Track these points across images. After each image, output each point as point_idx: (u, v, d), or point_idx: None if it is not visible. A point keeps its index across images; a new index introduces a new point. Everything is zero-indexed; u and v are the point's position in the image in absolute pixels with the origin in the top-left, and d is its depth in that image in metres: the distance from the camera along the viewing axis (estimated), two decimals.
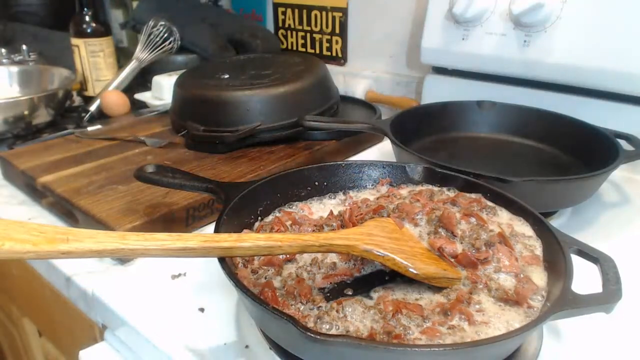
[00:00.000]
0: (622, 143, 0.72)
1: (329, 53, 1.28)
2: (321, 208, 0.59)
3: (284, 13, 1.33)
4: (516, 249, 0.49)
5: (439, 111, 0.88)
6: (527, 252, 0.49)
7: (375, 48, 1.19)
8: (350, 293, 0.46)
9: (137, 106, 1.12)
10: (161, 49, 1.13)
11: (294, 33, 1.33)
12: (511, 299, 0.43)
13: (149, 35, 1.12)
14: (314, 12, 1.26)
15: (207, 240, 0.40)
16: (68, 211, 0.70)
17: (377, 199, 0.58)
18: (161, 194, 0.69)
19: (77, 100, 1.19)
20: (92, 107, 1.08)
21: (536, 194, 0.62)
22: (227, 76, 0.93)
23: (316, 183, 0.61)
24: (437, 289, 0.45)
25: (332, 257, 0.50)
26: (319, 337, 0.34)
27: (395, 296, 0.45)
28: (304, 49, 1.33)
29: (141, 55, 1.12)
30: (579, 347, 0.48)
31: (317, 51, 1.30)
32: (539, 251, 0.49)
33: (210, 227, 0.53)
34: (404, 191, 0.60)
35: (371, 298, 0.45)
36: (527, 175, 0.60)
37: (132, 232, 0.39)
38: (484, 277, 0.46)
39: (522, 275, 0.46)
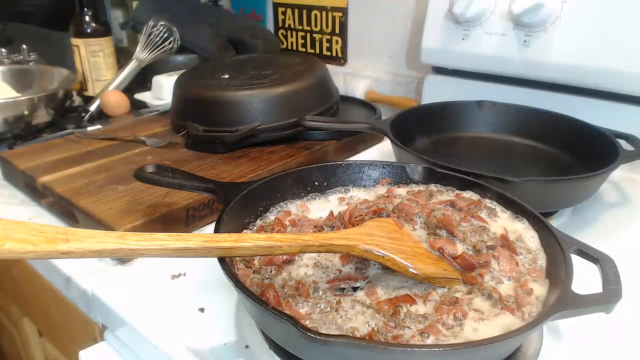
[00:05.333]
0: (622, 143, 0.72)
1: (329, 53, 1.28)
2: (321, 208, 0.59)
3: (284, 13, 1.33)
4: (519, 254, 0.49)
5: (439, 111, 0.88)
6: (530, 260, 0.48)
7: (375, 48, 1.19)
8: (350, 293, 0.46)
9: (137, 106, 1.12)
10: (161, 49, 1.13)
11: (294, 33, 1.33)
12: (509, 305, 0.43)
13: (149, 35, 1.11)
14: (314, 12, 1.26)
15: (207, 240, 0.40)
16: (68, 211, 0.70)
17: (377, 199, 0.58)
18: (161, 194, 0.69)
19: (77, 100, 1.19)
20: (92, 107, 1.08)
21: (536, 194, 0.62)
22: (227, 76, 0.93)
23: (316, 183, 0.61)
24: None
25: (337, 264, 0.49)
26: (319, 337, 0.34)
27: (380, 288, 0.45)
28: (304, 49, 1.33)
29: (141, 55, 1.12)
30: (579, 347, 0.48)
31: (317, 51, 1.30)
32: (542, 260, 0.48)
33: (210, 227, 0.53)
34: (404, 191, 0.60)
35: (359, 293, 0.45)
36: (527, 175, 0.60)
37: (132, 232, 0.39)
38: (483, 279, 0.46)
39: (521, 281, 0.46)
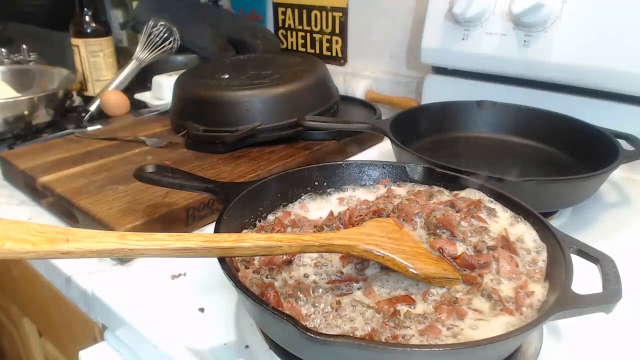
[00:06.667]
0: (622, 143, 0.72)
1: (329, 53, 1.28)
2: (321, 208, 0.59)
3: (284, 13, 1.33)
4: (519, 255, 0.49)
5: (438, 111, 0.88)
6: (530, 260, 0.48)
7: (375, 48, 1.19)
8: (349, 292, 0.46)
9: (137, 106, 1.12)
10: (161, 49, 1.13)
11: (294, 33, 1.33)
12: (509, 306, 0.43)
13: (149, 35, 1.11)
14: (314, 12, 1.26)
15: (207, 240, 0.40)
16: (68, 211, 0.70)
17: (377, 199, 0.58)
18: (161, 194, 0.69)
19: (77, 100, 1.18)
20: (92, 107, 1.08)
21: (536, 194, 0.62)
22: (227, 76, 0.93)
23: (316, 183, 0.61)
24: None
25: (337, 265, 0.49)
26: (319, 337, 0.34)
27: (377, 287, 0.45)
28: (304, 49, 1.33)
29: (141, 55, 1.12)
30: (579, 347, 0.48)
31: (317, 51, 1.30)
32: (542, 261, 0.48)
33: (210, 227, 0.53)
34: (404, 192, 0.60)
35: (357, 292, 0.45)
36: (527, 175, 0.60)
37: (132, 232, 0.39)
38: (483, 280, 0.46)
39: (521, 281, 0.46)
